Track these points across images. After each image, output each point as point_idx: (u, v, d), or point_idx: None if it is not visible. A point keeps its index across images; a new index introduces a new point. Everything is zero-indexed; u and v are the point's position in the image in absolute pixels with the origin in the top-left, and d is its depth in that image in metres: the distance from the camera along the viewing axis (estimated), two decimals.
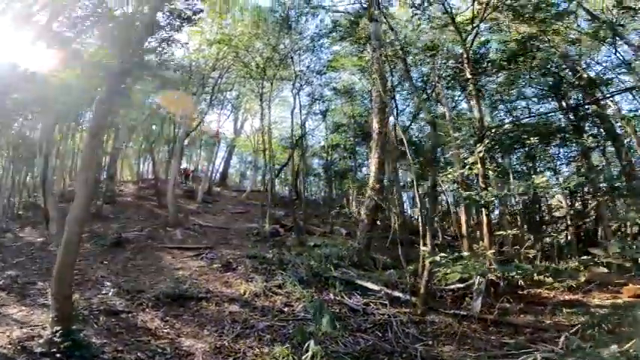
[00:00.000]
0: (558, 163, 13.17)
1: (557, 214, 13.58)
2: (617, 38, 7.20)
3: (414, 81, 10.95)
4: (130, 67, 4.71)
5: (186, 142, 31.25)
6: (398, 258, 10.09)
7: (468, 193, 5.98)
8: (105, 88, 4.75)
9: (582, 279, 6.77)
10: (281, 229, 14.19)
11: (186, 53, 15.76)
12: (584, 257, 6.73)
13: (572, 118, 11.15)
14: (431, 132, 6.30)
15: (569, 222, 12.01)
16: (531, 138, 8.67)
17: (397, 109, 11.63)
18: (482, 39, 9.64)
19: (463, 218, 10.33)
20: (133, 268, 8.44)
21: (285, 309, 5.94)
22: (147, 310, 5.43)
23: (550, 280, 4.82)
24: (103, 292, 5.84)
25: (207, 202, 20.94)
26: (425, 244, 6.15)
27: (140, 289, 6.29)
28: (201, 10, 5.35)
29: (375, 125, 9.78)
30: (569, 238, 11.31)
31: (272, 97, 15.14)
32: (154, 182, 18.93)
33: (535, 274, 5.36)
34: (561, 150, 12.96)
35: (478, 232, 10.15)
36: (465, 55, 7.25)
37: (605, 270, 7.83)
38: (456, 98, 12.95)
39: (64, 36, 5.97)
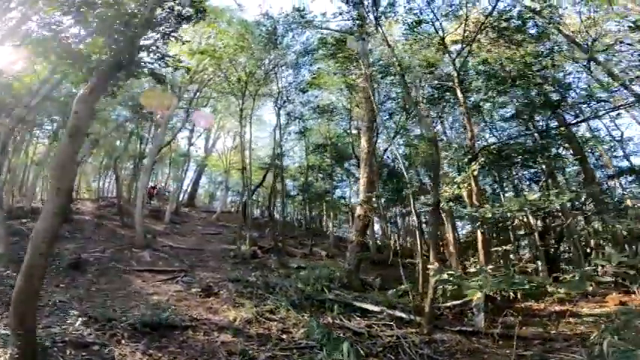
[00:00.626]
0: (526, 183, 13.77)
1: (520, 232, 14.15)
2: (592, 62, 7.76)
3: (396, 100, 11.15)
4: (124, 62, 4.17)
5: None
6: (387, 278, 9.80)
7: (469, 210, 5.87)
8: (90, 84, 4.15)
9: (589, 289, 6.85)
10: (259, 250, 13.41)
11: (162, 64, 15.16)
12: (588, 268, 6.80)
13: (539, 139, 11.72)
14: (433, 150, 6.19)
15: (537, 238, 12.48)
16: (518, 157, 8.97)
17: (396, 130, 11.59)
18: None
19: (450, 236, 10.32)
20: (98, 292, 7.33)
21: (284, 336, 5.31)
22: (123, 341, 4.56)
23: (561, 290, 4.71)
24: (68, 320, 4.86)
25: (175, 222, 19.56)
26: (429, 263, 5.87)
27: (111, 317, 5.35)
28: (205, 10, 4.97)
29: (364, 144, 9.69)
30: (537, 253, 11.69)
31: (250, 115, 14.71)
32: (117, 200, 17.38)
33: (546, 286, 5.25)
34: (525, 172, 13.67)
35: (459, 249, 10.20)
36: (455, 75, 7.45)
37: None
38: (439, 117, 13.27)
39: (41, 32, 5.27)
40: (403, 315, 6.30)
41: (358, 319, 6.26)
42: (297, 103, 15.49)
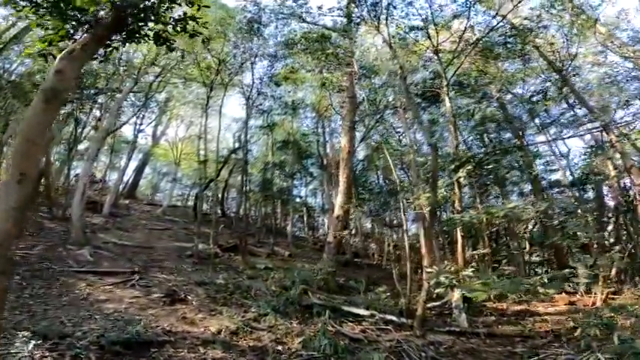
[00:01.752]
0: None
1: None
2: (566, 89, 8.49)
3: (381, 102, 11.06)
4: (130, 19, 3.27)
5: (87, 144, 26.06)
6: (362, 281, 9.56)
7: (456, 215, 5.90)
8: (83, 40, 3.16)
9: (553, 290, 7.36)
10: (218, 249, 12.35)
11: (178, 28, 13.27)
12: (564, 271, 7.31)
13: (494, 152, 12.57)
14: (432, 154, 6.10)
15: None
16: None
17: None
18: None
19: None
20: (34, 299, 5.93)
21: (279, 347, 4.71)
22: None
23: (550, 291, 5.01)
24: (17, 342, 3.67)
25: (115, 215, 17.31)
26: (423, 265, 5.76)
27: (63, 333, 4.26)
28: None
29: (345, 144, 9.39)
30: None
31: (221, 106, 13.55)
32: (46, 189, 14.79)
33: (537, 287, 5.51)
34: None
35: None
36: (445, 84, 7.53)
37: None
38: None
39: None
40: (394, 318, 6.10)
41: (350, 324, 5.90)
42: (269, 97, 14.66)
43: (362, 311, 6.30)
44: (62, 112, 16.87)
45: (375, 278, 9.27)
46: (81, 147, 17.76)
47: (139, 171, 25.42)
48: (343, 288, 8.43)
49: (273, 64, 13.26)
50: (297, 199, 22.75)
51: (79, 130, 18.23)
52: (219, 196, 22.85)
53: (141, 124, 18.38)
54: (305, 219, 25.69)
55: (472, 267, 6.99)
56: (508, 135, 12.32)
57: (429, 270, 5.50)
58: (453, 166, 7.01)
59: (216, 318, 5.61)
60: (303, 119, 20.12)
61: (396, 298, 7.43)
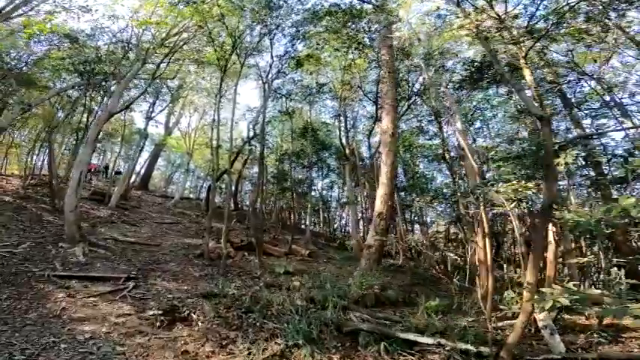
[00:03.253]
0: None
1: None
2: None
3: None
4: None
5: (99, 135, 24.85)
6: (413, 294, 7.67)
7: (572, 215, 4.00)
8: None
9: None
10: (230, 248, 10.71)
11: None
12: None
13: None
14: (545, 130, 4.21)
15: None
16: None
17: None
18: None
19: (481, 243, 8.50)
20: None
21: None
22: None
23: None
24: None
25: (123, 208, 15.92)
26: (527, 280, 3.92)
27: None
28: None
29: (387, 124, 7.55)
30: None
31: (235, 89, 11.80)
32: (49, 178, 13.45)
33: None
34: None
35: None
36: (523, 54, 5.60)
37: None
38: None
39: None
40: (470, 347, 4.29)
41: (411, 358, 4.13)
42: (288, 79, 12.89)
43: (425, 339, 4.50)
44: (69, 98, 15.55)
45: (429, 291, 7.43)
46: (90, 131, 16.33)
47: (151, 162, 24.10)
48: (392, 303, 6.62)
49: (294, 41, 11.44)
50: (313, 193, 21.08)
51: (90, 120, 16.99)
52: (233, 188, 21.36)
53: (152, 112, 16.85)
54: (321, 213, 23.98)
55: (568, 280, 5.14)
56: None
57: (529, 285, 3.66)
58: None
59: (228, 353, 3.91)
60: (323, 107, 18.30)
61: (458, 316, 5.63)
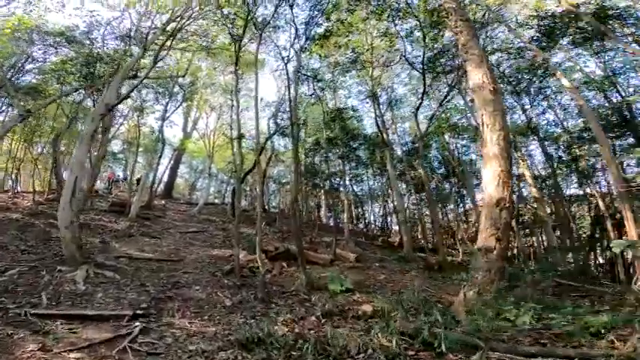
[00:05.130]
0: None
1: None
2: None
3: None
4: None
5: (119, 145, 23.51)
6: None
7: None
8: None
9: None
10: (266, 259, 8.54)
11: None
12: None
13: None
14: None
15: None
16: None
17: None
18: None
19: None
20: None
21: None
22: None
23: None
24: None
25: (145, 218, 14.16)
26: None
27: None
28: None
29: (482, 79, 5.13)
30: None
31: (255, 63, 9.62)
32: (56, 191, 11.82)
33: None
34: None
35: None
36: None
37: None
38: None
39: None
40: None
41: None
42: (314, 58, 10.61)
43: None
44: (72, 100, 13.89)
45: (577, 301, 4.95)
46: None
47: (173, 169, 22.51)
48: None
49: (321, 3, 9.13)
50: (342, 188, 18.73)
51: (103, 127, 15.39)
52: (258, 189, 19.40)
53: (166, 112, 15.02)
54: (353, 209, 21.59)
55: None
56: None
57: None
58: None
59: None
60: (349, 93, 15.92)
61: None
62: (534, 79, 11.20)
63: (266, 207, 21.65)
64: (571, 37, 10.09)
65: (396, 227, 22.66)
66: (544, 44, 9.75)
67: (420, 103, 11.70)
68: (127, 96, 8.71)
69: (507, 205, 4.37)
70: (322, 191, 16.06)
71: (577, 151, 12.48)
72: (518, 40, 10.80)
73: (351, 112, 14.77)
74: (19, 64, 12.56)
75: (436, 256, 11.31)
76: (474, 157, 18.08)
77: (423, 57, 10.97)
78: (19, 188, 16.41)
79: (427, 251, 12.71)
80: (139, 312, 4.76)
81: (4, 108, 12.87)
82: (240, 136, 8.58)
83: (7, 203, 12.37)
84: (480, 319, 4.01)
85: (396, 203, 13.35)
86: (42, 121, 15.95)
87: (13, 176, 14.25)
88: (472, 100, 12.11)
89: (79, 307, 5.01)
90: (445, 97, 11.47)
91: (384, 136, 13.31)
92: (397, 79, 15.42)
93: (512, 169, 5.13)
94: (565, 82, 8.54)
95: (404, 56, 10.74)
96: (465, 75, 11.63)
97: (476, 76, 5.36)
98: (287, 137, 17.98)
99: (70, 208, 6.57)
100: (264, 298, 5.78)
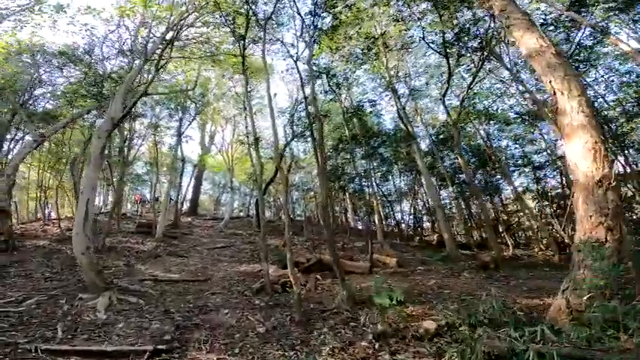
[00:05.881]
0: None
1: None
2: None
3: None
4: None
5: (143, 167, 23.70)
6: None
7: None
8: None
9: None
10: (298, 272, 7.68)
11: None
12: None
13: None
14: None
15: None
16: None
17: None
18: None
19: None
20: None
21: None
22: None
23: None
24: None
25: (172, 237, 13.77)
26: None
27: None
28: None
29: (537, 42, 4.10)
30: None
31: (263, 54, 9.01)
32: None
33: None
34: None
35: None
36: None
37: None
38: None
39: None
40: None
41: None
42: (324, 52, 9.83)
43: None
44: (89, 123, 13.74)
45: None
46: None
47: (196, 186, 22.36)
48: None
49: None
50: (369, 188, 17.68)
51: (125, 146, 15.30)
52: (282, 198, 18.72)
53: (181, 127, 14.69)
54: (379, 210, 20.45)
55: None
56: None
57: None
58: None
59: None
60: (366, 87, 15.01)
61: None
62: (584, 50, 9.88)
63: (291, 216, 20.97)
64: (606, 5, 8.83)
65: (428, 225, 21.29)
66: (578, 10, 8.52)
67: (447, 88, 10.61)
68: (131, 108, 8.22)
69: (612, 183, 3.29)
70: (347, 194, 15.10)
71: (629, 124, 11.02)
72: (551, 10, 9.61)
73: (369, 108, 13.81)
74: (29, 89, 12.46)
75: (485, 252, 10.04)
76: (504, 143, 16.65)
77: (443, 38, 9.95)
78: (52, 215, 16.63)
79: (474, 248, 11.40)
80: (160, 347, 4.03)
81: (20, 135, 12.87)
82: (257, 140, 7.86)
83: (37, 231, 12.32)
84: (595, 330, 2.94)
85: (430, 199, 12.17)
86: (65, 148, 16.17)
87: (43, 204, 14.29)
88: (516, 76, 10.87)
89: (97, 340, 4.36)
90: (473, 78, 10.31)
91: (409, 129, 12.24)
92: (414, 68, 14.37)
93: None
94: (624, 46, 7.24)
95: (422, 39, 9.76)
96: (489, 57, 10.52)
97: (529, 40, 4.33)
98: (306, 141, 17.25)
99: (83, 233, 6.04)
100: (301, 320, 4.91)
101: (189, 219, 20.63)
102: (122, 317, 5.15)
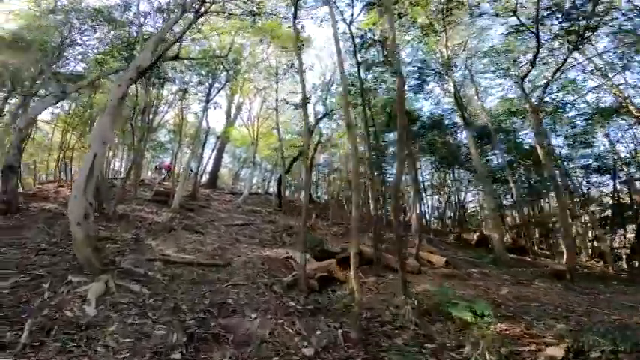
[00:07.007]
0: None
1: None
2: None
3: None
4: None
5: (166, 136, 22.58)
6: None
7: None
8: None
9: None
10: (337, 265, 6.15)
11: None
12: None
13: None
14: None
15: None
16: None
17: None
18: None
19: None
20: None
21: None
22: None
23: None
24: None
25: (189, 209, 12.51)
26: None
27: None
28: None
29: None
30: None
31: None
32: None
33: None
34: None
35: None
36: None
37: None
38: None
39: None
40: None
41: None
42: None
43: None
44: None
45: None
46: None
47: (217, 159, 21.05)
48: None
49: None
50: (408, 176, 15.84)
51: (148, 112, 13.99)
52: (305, 178, 17.23)
53: (209, 93, 13.14)
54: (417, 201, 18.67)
55: None
56: None
57: None
58: None
59: None
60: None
61: None
62: None
63: (312, 196, 19.47)
64: None
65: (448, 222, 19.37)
66: None
67: (529, 71, 8.57)
68: (160, 57, 6.73)
69: None
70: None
71: None
72: None
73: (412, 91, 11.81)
74: (60, 49, 11.33)
75: (548, 259, 8.26)
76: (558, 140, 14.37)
77: (537, 12, 7.85)
78: (71, 177, 15.74)
79: (530, 252, 9.63)
80: None
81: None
82: (305, 100, 6.15)
83: (49, 192, 11.26)
84: None
85: (482, 194, 10.33)
86: (93, 112, 15.08)
87: (62, 165, 13.26)
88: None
89: (74, 353, 2.96)
90: (564, 60, 8.28)
91: (464, 114, 10.27)
92: (474, 48, 12.12)
93: None
94: None
95: (514, 12, 7.72)
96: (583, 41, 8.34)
97: None
98: (338, 121, 15.46)
99: (84, 196, 4.65)
100: (360, 338, 3.41)
101: (208, 191, 19.47)
102: (117, 315, 3.76)
